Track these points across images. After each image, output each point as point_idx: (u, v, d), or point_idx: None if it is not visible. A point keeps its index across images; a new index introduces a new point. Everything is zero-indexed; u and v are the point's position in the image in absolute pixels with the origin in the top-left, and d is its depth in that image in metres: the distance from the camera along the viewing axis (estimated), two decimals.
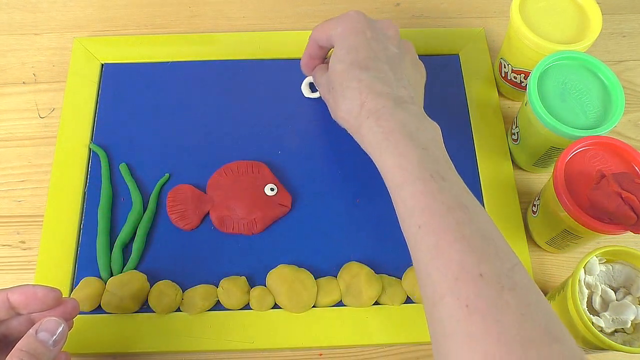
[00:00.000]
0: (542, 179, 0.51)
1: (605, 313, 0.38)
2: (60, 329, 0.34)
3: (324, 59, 0.48)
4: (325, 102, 0.45)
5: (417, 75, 0.45)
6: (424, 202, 0.34)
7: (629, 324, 0.38)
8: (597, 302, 0.39)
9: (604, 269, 0.40)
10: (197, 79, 0.53)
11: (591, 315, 0.38)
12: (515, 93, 0.53)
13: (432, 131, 0.38)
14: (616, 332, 0.39)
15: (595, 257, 0.39)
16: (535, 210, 0.46)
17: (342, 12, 0.52)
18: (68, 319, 0.36)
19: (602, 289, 0.39)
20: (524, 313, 0.29)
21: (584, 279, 0.39)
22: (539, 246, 0.48)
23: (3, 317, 0.35)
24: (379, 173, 0.49)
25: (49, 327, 0.33)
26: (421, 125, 0.38)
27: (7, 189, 0.50)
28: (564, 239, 0.43)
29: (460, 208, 0.33)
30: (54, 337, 0.33)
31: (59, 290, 0.36)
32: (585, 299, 0.39)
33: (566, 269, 0.47)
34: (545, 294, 0.45)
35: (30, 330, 0.33)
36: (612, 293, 0.39)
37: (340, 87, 0.40)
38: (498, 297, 0.29)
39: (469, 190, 0.36)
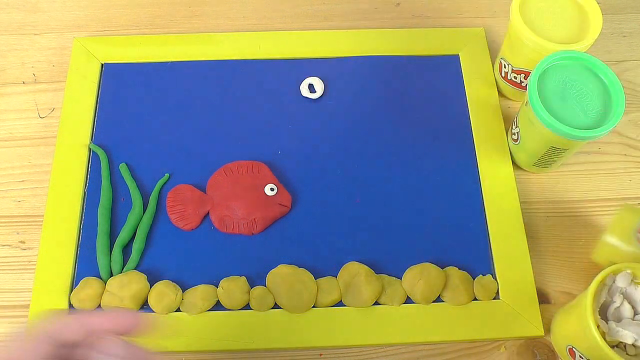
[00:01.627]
0: (542, 179, 0.51)
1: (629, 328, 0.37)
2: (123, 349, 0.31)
3: None
4: None
5: None
6: None
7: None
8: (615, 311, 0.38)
9: (634, 289, 0.39)
10: (197, 79, 0.53)
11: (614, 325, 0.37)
12: (515, 93, 0.53)
13: None
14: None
15: (628, 271, 0.38)
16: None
17: (342, 13, 0.51)
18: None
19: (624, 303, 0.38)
20: None
21: (612, 285, 0.38)
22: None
23: (77, 340, 0.31)
24: (378, 174, 0.49)
25: (110, 348, 0.31)
26: None
27: (7, 189, 0.50)
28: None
29: None
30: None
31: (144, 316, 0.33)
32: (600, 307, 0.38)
33: (566, 277, 0.47)
34: (548, 300, 0.45)
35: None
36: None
37: None
38: None
39: None
